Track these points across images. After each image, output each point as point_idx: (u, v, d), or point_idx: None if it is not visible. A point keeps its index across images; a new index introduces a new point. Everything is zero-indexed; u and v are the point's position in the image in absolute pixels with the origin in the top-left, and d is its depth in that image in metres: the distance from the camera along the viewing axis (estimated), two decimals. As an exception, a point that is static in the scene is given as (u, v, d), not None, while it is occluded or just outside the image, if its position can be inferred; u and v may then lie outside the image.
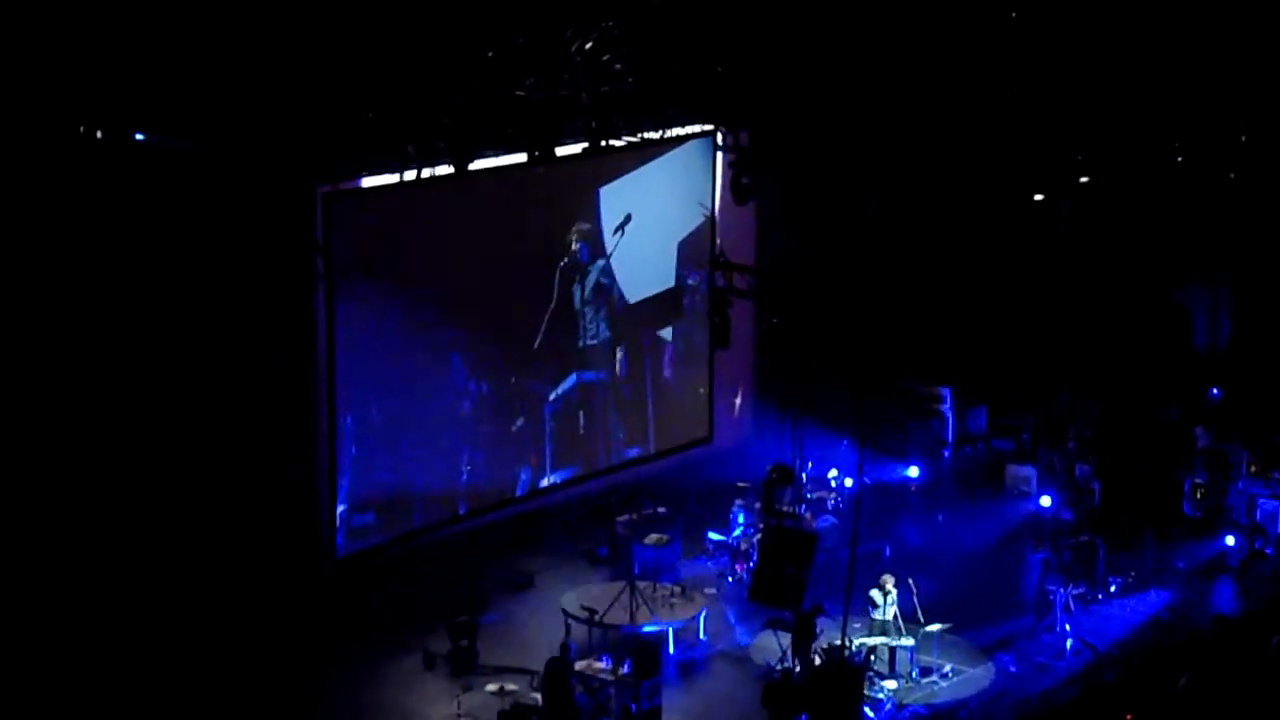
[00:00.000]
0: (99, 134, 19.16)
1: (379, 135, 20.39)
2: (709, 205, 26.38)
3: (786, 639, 20.92)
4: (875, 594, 21.49)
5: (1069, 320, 27.98)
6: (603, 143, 22.16)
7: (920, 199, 27.01)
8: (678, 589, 22.97)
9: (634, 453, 26.31)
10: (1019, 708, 20.56)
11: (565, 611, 22.12)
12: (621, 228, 25.28)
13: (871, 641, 21.15)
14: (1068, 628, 22.18)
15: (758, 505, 24.10)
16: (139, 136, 19.41)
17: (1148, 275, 28.01)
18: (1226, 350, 28.52)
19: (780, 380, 26.96)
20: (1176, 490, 26.11)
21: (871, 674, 20.57)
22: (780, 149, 25.18)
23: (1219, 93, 25.09)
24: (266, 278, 20.93)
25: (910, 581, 22.02)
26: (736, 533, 24.42)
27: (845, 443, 26.34)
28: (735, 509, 24.65)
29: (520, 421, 24.58)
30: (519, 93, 20.55)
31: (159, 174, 19.71)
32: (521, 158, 21.81)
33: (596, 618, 21.73)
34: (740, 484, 25.21)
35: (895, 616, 21.39)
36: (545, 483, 25.08)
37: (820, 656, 20.19)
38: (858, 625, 21.15)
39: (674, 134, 24.57)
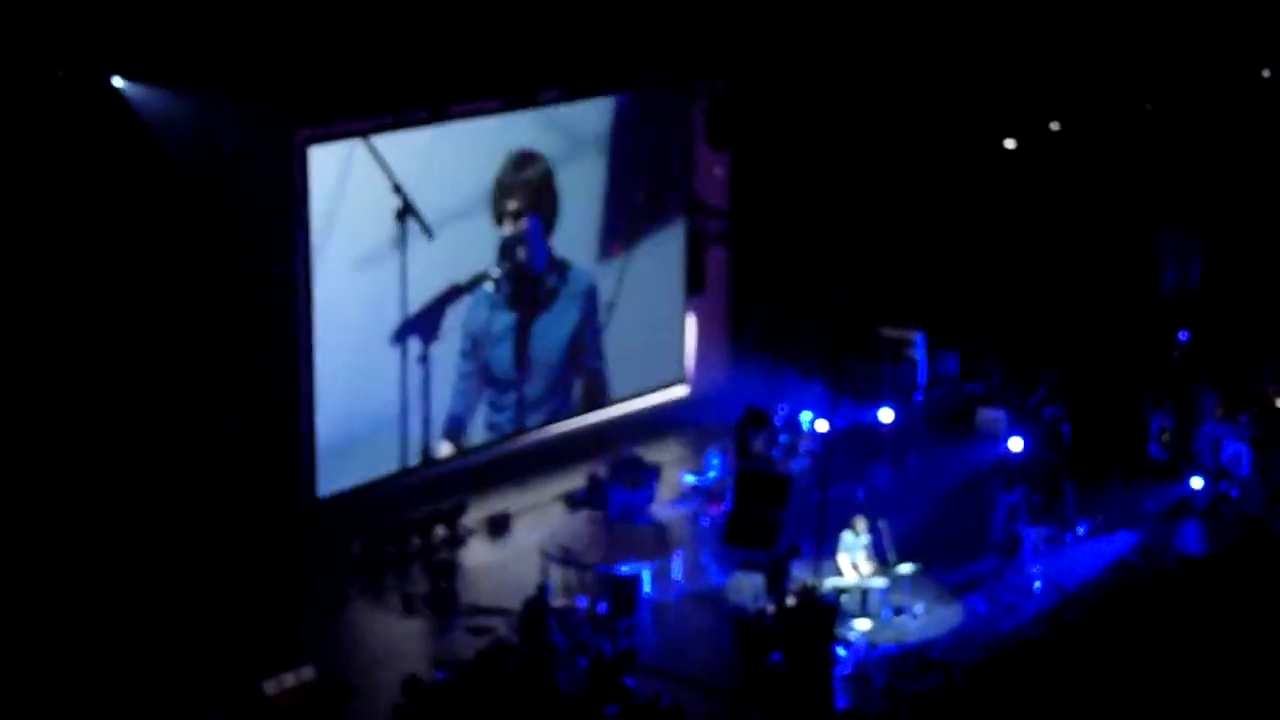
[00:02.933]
0: (76, 79, 19.18)
1: (357, 81, 20.44)
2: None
3: (760, 580, 21.21)
4: (847, 535, 21.76)
5: (1039, 264, 28.13)
6: (579, 87, 22.21)
7: (893, 144, 27.09)
8: (653, 530, 23.22)
9: (611, 395, 26.48)
10: (987, 647, 20.87)
11: (543, 552, 22.35)
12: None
13: (843, 582, 21.44)
14: (1036, 569, 22.48)
15: (733, 448, 24.34)
16: (117, 81, 19.43)
17: (1119, 220, 28.15)
18: (1196, 293, 28.68)
19: (754, 324, 27.22)
20: (1144, 433, 26.36)
21: (844, 613, 20.85)
22: (755, 96, 25.23)
23: (1187, 39, 25.19)
24: (245, 223, 21.00)
25: (881, 523, 22.28)
26: (711, 475, 24.65)
27: (818, 386, 26.55)
28: (710, 452, 24.89)
29: (498, 363, 24.73)
30: (496, 37, 20.59)
31: (136, 120, 19.73)
32: (498, 102, 21.86)
33: (573, 558, 21.98)
34: (714, 426, 25.45)
35: (867, 557, 21.66)
36: (524, 424, 25.26)
37: (793, 597, 20.47)
38: (829, 566, 21.42)
39: (649, 79, 24.60)
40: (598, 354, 26.19)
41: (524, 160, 24.37)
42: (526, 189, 24.43)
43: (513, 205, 24.29)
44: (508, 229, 24.30)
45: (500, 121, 23.65)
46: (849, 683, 20.00)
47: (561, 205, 24.94)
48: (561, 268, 25.20)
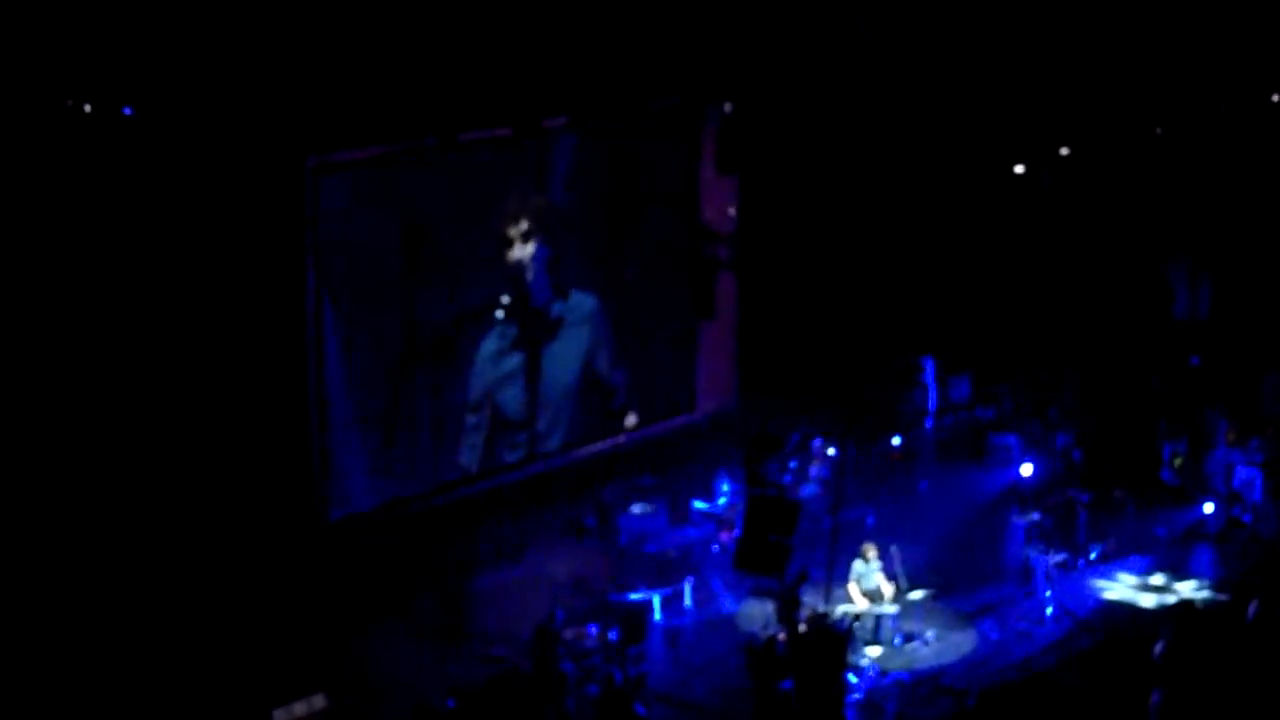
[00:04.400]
0: (87, 108, 19.22)
1: (367, 108, 20.47)
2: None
3: (771, 606, 21.16)
4: (858, 564, 21.71)
5: (1050, 289, 28.11)
6: (587, 114, 22.22)
7: (903, 168, 27.09)
8: (663, 557, 23.19)
9: (620, 423, 26.44)
10: (1000, 674, 20.79)
11: (554, 579, 22.33)
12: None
13: (855, 609, 21.38)
14: (1048, 594, 22.42)
15: (743, 474, 24.31)
16: (127, 111, 19.47)
17: (1130, 246, 28.13)
18: (1207, 319, 28.65)
19: (764, 350, 27.19)
20: (1156, 458, 26.31)
21: (855, 640, 20.79)
22: (764, 120, 25.23)
23: (1198, 64, 25.19)
24: (255, 249, 21.01)
25: (893, 549, 22.24)
26: (721, 501, 24.62)
27: (828, 412, 26.52)
28: (720, 478, 24.86)
29: (509, 391, 24.70)
30: (505, 65, 20.63)
31: (149, 147, 19.77)
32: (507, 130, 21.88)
33: (584, 586, 21.96)
34: (725, 453, 25.42)
35: (878, 585, 21.62)
36: (535, 452, 25.22)
37: (805, 624, 20.42)
38: (840, 592, 21.37)
39: (657, 106, 24.61)
40: (611, 371, 26.03)
41: (530, 185, 24.35)
42: (531, 214, 24.40)
43: (520, 229, 24.25)
44: (515, 253, 24.26)
45: (507, 148, 23.66)
46: (860, 710, 19.94)
47: (566, 230, 24.92)
48: (565, 294, 25.13)
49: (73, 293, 19.71)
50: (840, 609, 21.18)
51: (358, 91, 20.43)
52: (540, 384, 24.92)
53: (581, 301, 25.34)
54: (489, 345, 24.14)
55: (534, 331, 24.68)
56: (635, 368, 26.28)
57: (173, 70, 19.45)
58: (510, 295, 24.23)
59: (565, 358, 25.25)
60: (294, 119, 20.32)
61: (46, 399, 19.79)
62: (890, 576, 21.77)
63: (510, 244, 24.22)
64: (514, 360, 24.48)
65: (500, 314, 24.18)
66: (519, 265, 24.30)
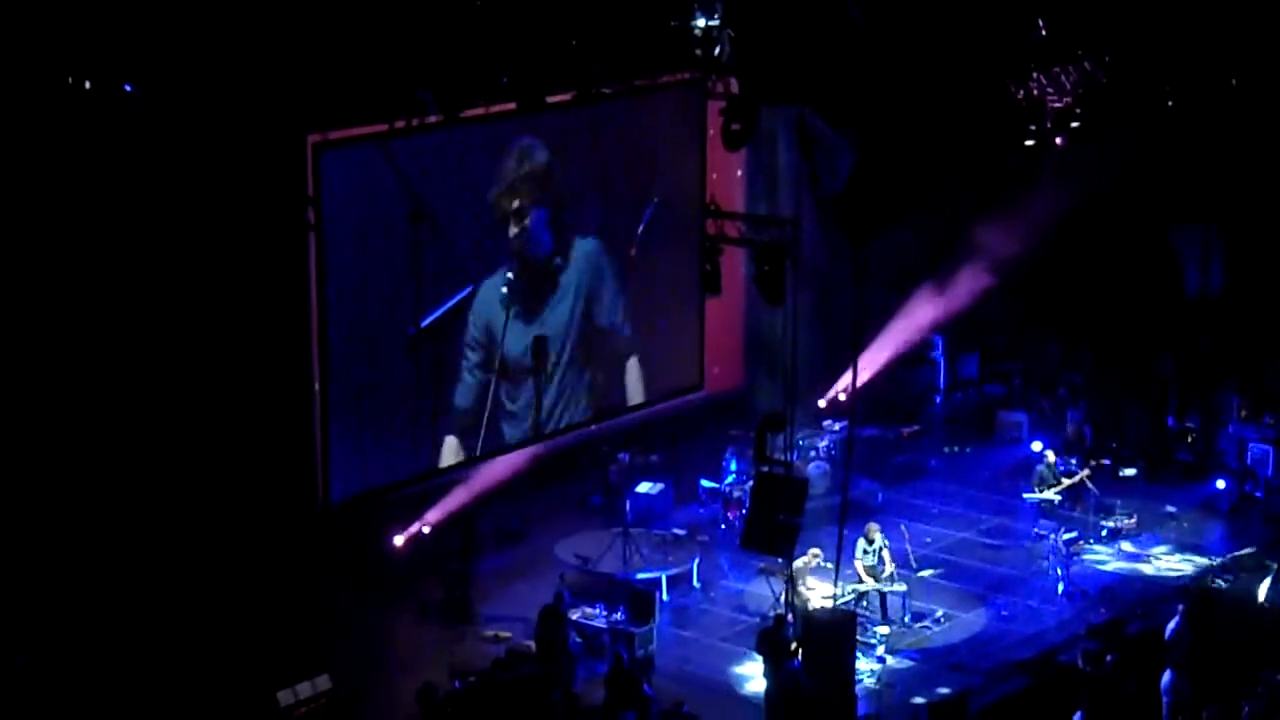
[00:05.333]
0: (87, 84, 19.06)
1: (369, 84, 20.30)
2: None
3: (779, 586, 21.02)
4: (861, 543, 21.51)
5: (1060, 266, 27.93)
6: (591, 91, 22.06)
7: (911, 141, 26.85)
8: (670, 536, 23.07)
9: (626, 400, 26.27)
10: (1011, 652, 20.66)
11: (559, 560, 22.21)
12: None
13: (861, 588, 21.23)
14: (1059, 572, 22.27)
15: (750, 452, 24.13)
16: (128, 88, 19.31)
17: (1140, 220, 27.94)
18: (1219, 295, 28.50)
19: (772, 327, 26.97)
20: (1168, 435, 26.18)
21: (864, 619, 20.65)
22: (771, 95, 25.01)
23: (1209, 36, 24.96)
24: (257, 228, 20.87)
25: (902, 527, 22.11)
26: (729, 480, 24.48)
27: (837, 389, 26.40)
28: (727, 456, 24.71)
29: (512, 370, 24.55)
30: (508, 40, 20.45)
31: (150, 124, 19.61)
32: (511, 106, 21.71)
33: (590, 565, 21.84)
34: (732, 431, 25.28)
35: (883, 562, 21.43)
36: (541, 430, 25.06)
37: (812, 603, 20.30)
38: (849, 572, 21.21)
39: (663, 81, 24.45)
40: (614, 314, 25.77)
41: (525, 154, 24.17)
42: (530, 182, 24.19)
43: (517, 203, 24.06)
44: (514, 228, 24.09)
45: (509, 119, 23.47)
46: (870, 690, 19.80)
47: (566, 194, 24.73)
48: (566, 245, 24.92)
49: (69, 275, 19.56)
50: (848, 588, 21.02)
51: (359, 67, 20.24)
52: (544, 330, 24.69)
53: (582, 245, 25.12)
54: (490, 286, 23.99)
55: (537, 285, 24.56)
56: (638, 318, 26.01)
57: (174, 46, 19.27)
58: (513, 269, 24.10)
59: (565, 299, 25.00)
60: (295, 95, 20.15)
61: (46, 383, 19.66)
62: (900, 555, 21.62)
63: (509, 218, 24.04)
64: (516, 310, 24.32)
65: (504, 288, 24.04)
66: (521, 238, 24.13)
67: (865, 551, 21.48)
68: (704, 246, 22.77)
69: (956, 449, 26.96)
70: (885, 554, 21.53)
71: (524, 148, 24.08)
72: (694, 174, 26.29)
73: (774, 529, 20.57)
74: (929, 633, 21.17)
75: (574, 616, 20.61)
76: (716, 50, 21.41)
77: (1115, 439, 26.19)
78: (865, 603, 21.16)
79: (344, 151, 21.87)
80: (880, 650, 20.33)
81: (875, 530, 21.64)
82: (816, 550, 21.24)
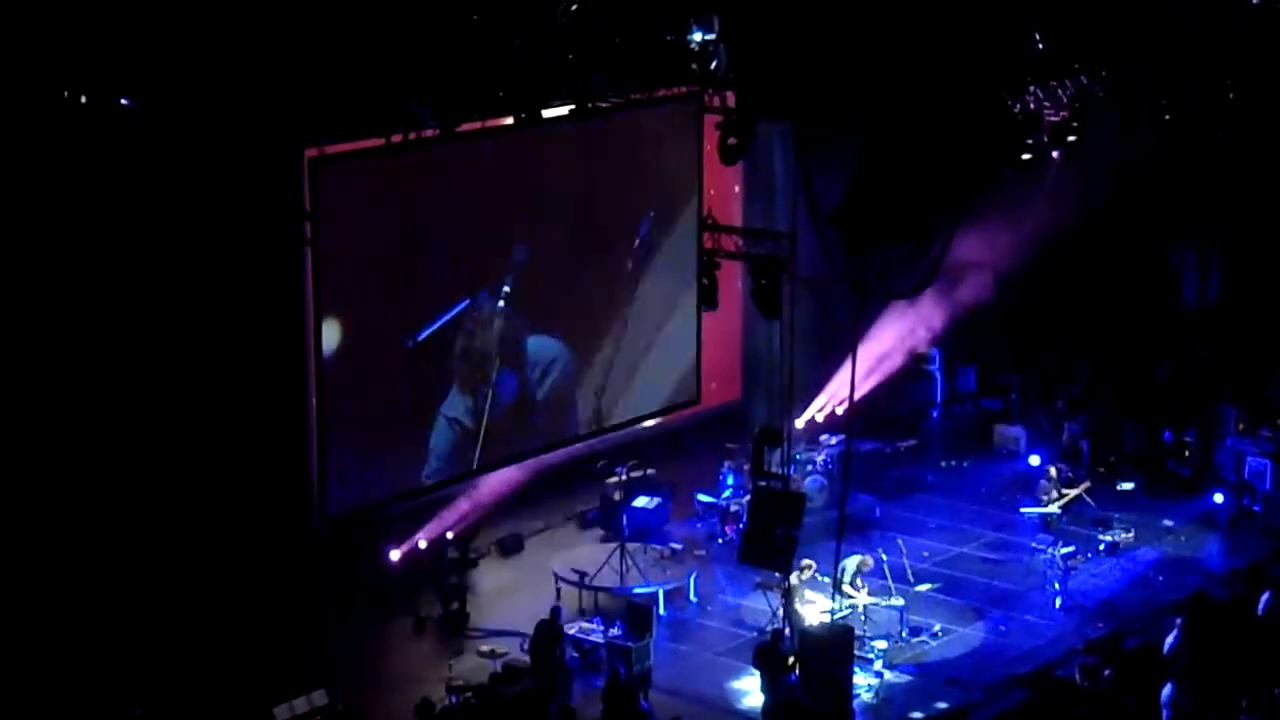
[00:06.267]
0: (84, 98, 19.05)
1: (366, 98, 20.29)
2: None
3: (776, 600, 20.99)
4: (849, 562, 21.37)
5: (1058, 280, 27.93)
6: (589, 105, 22.07)
7: (906, 154, 26.85)
8: (667, 551, 23.03)
9: (623, 415, 26.22)
10: (1009, 666, 20.62)
11: (556, 574, 22.16)
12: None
13: (860, 602, 21.19)
14: (1057, 586, 22.23)
15: (746, 467, 24.11)
16: (126, 102, 19.30)
17: (1137, 233, 27.96)
18: (1216, 308, 28.51)
19: (769, 342, 26.96)
20: (1165, 448, 26.16)
21: (861, 634, 20.62)
22: (767, 109, 25.02)
23: (1209, 51, 24.99)
24: (254, 242, 20.86)
25: (899, 541, 22.08)
26: (725, 494, 24.45)
27: (834, 403, 26.37)
28: (724, 470, 24.68)
29: (509, 384, 24.53)
30: (505, 55, 20.45)
31: (147, 138, 19.61)
32: (508, 120, 21.71)
33: (587, 580, 21.80)
34: (729, 445, 25.26)
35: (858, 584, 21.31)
36: (538, 445, 25.01)
37: (809, 618, 20.27)
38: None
39: (660, 95, 24.47)
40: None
41: (528, 172, 24.16)
42: (529, 205, 24.18)
43: (520, 222, 24.09)
44: (512, 243, 24.10)
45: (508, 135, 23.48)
46: (867, 704, 19.76)
47: (566, 214, 24.72)
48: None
49: (67, 287, 19.57)
50: (845, 603, 20.99)
51: (356, 82, 20.25)
52: (538, 340, 24.65)
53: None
54: (487, 299, 23.95)
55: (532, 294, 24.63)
56: (635, 333, 25.89)
57: (172, 60, 19.28)
58: (510, 281, 24.10)
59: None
60: (292, 110, 20.15)
61: (42, 396, 19.64)
62: (897, 569, 21.59)
63: (507, 235, 24.04)
64: (512, 320, 24.30)
65: (501, 302, 24.02)
66: (515, 256, 24.14)
67: (853, 570, 21.39)
68: (701, 260, 22.81)
69: (954, 463, 26.94)
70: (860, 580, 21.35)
71: (528, 166, 23.93)
72: (691, 188, 26.28)
73: (771, 543, 20.57)
74: (927, 647, 21.13)
75: (571, 631, 20.57)
76: (713, 64, 21.29)
77: (1113, 452, 26.17)
78: (863, 617, 21.09)
79: (341, 165, 21.85)
80: (878, 665, 20.32)
81: (859, 560, 21.45)
82: (809, 562, 21.21)
